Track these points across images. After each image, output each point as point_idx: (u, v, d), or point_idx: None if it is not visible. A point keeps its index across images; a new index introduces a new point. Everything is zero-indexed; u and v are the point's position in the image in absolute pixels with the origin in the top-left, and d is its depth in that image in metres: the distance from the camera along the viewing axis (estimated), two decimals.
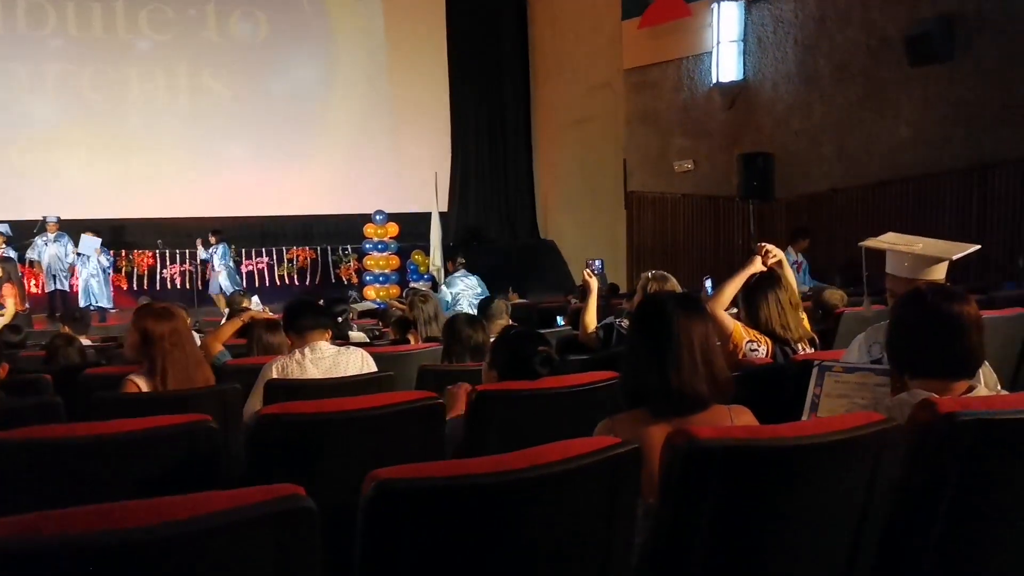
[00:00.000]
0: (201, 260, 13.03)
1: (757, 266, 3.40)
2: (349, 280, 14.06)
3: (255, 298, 9.10)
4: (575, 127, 14.47)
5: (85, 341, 5.93)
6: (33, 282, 12.19)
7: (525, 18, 15.69)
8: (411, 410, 2.41)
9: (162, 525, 1.27)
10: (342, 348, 3.72)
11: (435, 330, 5.30)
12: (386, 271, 13.68)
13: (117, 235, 13.29)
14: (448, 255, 13.68)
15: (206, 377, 3.32)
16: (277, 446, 2.33)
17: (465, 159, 15.45)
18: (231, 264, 12.99)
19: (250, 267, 13.91)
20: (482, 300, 6.21)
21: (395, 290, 13.22)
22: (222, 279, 12.67)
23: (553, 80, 15.21)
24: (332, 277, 14.22)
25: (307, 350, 3.57)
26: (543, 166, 15.84)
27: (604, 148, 13.70)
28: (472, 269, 13.85)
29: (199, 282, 13.19)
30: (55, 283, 11.82)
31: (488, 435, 2.58)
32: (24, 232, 12.02)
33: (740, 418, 1.98)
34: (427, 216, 13.55)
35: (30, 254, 11.89)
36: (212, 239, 12.73)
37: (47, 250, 11.80)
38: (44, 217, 11.92)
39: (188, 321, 3.59)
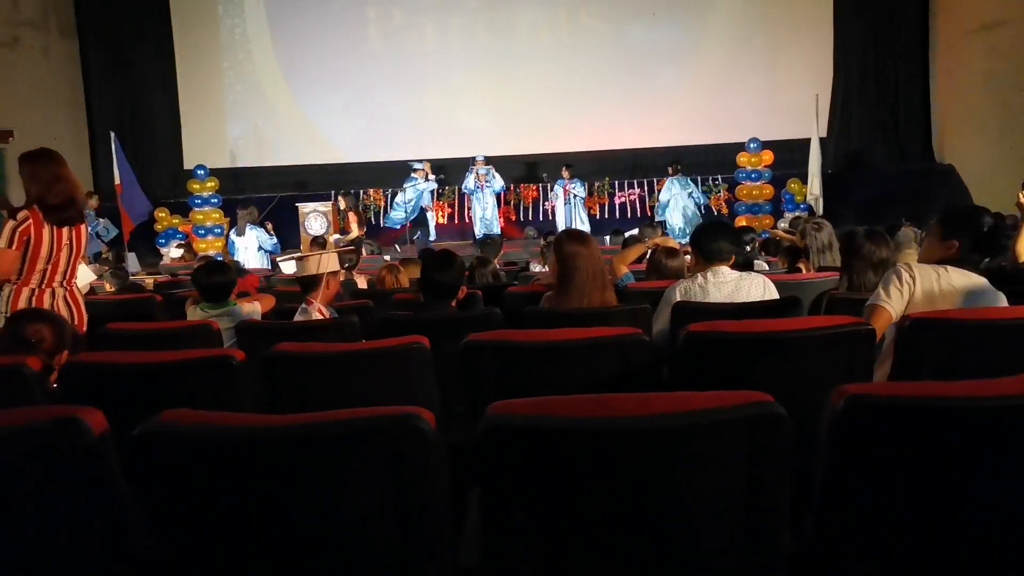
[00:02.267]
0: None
1: None
2: (719, 210, 13.88)
3: None
4: (984, 33, 12.59)
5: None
6: (440, 213, 13.95)
7: None
8: (838, 334, 2.36)
9: (652, 416, 1.41)
10: (743, 274, 3.72)
11: (829, 260, 5.07)
12: (759, 201, 13.26)
13: (510, 170, 14.52)
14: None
15: (612, 298, 3.57)
16: (702, 362, 2.44)
17: (848, 78, 14.22)
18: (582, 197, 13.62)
19: (622, 199, 14.38)
20: (889, 227, 5.77)
21: (768, 220, 12.80)
22: (578, 211, 13.38)
23: None
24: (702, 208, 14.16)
25: (709, 274, 3.63)
26: (942, 81, 14.04)
27: (1021, 56, 11.78)
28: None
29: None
30: (480, 213, 13.53)
31: (919, 364, 2.44)
32: (449, 169, 14.05)
33: None
34: (804, 142, 12.84)
35: (464, 187, 13.73)
36: (565, 173, 13.39)
37: (470, 183, 13.58)
38: (474, 157, 13.54)
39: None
